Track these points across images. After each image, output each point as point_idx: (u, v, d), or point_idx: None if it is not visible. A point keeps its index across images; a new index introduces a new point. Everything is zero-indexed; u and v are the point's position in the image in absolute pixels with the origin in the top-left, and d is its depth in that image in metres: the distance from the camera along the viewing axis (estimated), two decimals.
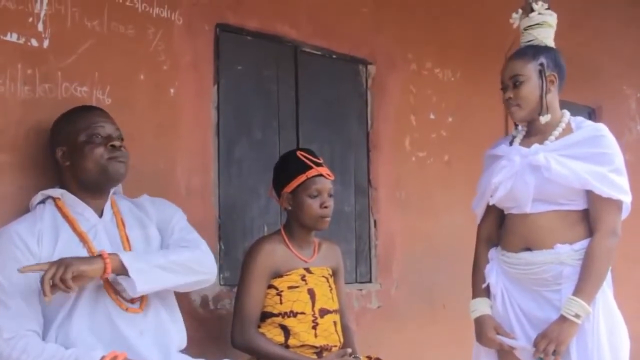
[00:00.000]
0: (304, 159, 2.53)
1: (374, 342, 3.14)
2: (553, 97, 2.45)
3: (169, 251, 2.13)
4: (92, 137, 2.10)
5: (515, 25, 2.53)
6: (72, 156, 2.11)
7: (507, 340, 2.42)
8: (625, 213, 2.41)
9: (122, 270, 1.97)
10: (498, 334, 2.44)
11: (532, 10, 2.47)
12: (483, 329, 2.46)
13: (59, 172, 2.16)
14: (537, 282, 2.40)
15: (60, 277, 1.84)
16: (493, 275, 2.49)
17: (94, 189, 2.14)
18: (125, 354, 1.92)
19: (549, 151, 2.38)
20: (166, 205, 2.31)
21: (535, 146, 2.42)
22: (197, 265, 2.15)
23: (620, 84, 4.96)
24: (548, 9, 2.48)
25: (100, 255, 1.95)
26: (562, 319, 2.30)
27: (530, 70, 2.40)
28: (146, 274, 1.99)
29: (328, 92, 3.29)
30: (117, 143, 2.12)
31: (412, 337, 3.46)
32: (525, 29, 2.49)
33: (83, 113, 2.16)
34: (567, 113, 2.50)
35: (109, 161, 2.10)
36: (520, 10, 2.51)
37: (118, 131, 2.16)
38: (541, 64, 2.39)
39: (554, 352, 2.30)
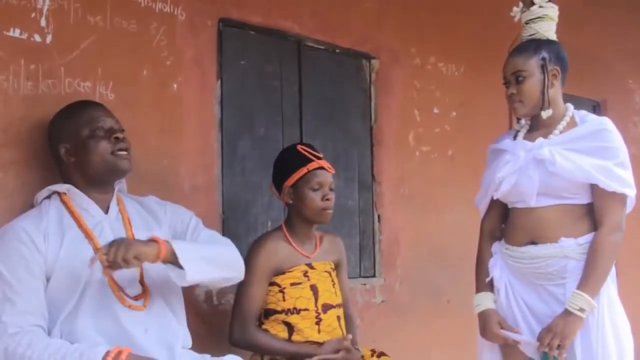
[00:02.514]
0: (304, 152, 2.53)
1: (378, 337, 3.14)
2: (556, 91, 2.43)
3: (209, 245, 2.18)
4: (95, 130, 2.11)
5: (516, 19, 2.51)
6: (76, 152, 2.11)
7: (511, 335, 2.41)
8: (629, 207, 2.40)
9: (172, 258, 1.99)
10: (502, 328, 2.43)
11: (533, 3, 2.45)
12: (487, 324, 2.45)
13: (62, 169, 2.16)
14: (542, 276, 2.40)
15: (122, 257, 1.87)
16: (497, 269, 2.48)
17: (99, 184, 2.14)
18: (129, 350, 1.92)
19: (553, 145, 2.37)
20: (181, 209, 2.32)
21: (540, 140, 2.40)
22: (233, 262, 2.21)
23: (625, 78, 4.94)
24: (549, 1, 2.46)
25: (154, 240, 1.97)
26: (567, 313, 2.30)
27: (532, 65, 2.38)
28: (194, 265, 2.01)
29: (331, 88, 3.28)
30: (120, 135, 2.13)
31: (416, 332, 3.46)
32: (526, 23, 2.47)
33: (82, 108, 2.16)
34: (570, 107, 2.48)
35: (114, 156, 2.11)
36: (521, 4, 2.49)
37: (118, 123, 2.17)
38: (543, 59, 2.38)
39: (558, 347, 2.29)
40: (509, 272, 2.47)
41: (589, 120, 2.43)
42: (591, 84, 4.44)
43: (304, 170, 2.49)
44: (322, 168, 2.52)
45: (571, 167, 2.33)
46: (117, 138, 2.11)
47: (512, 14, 2.51)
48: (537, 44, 2.41)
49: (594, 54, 4.44)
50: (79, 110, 2.15)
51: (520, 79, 2.38)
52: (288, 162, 2.54)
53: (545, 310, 2.39)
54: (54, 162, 2.19)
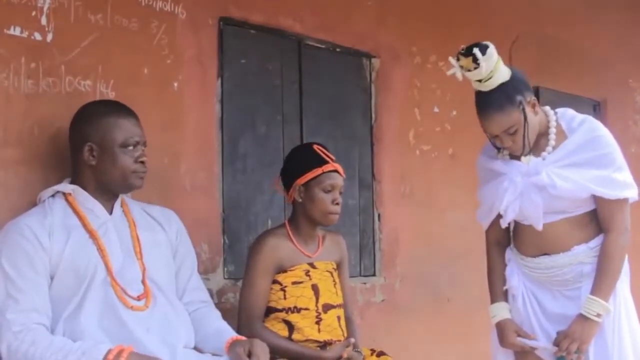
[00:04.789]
0: (320, 152, 2.51)
1: (378, 336, 3.14)
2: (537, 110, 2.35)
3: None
4: (128, 147, 2.11)
5: (460, 78, 2.32)
6: (101, 157, 2.10)
7: (528, 342, 2.41)
8: (632, 200, 2.38)
9: None
10: (519, 336, 2.43)
11: (476, 59, 2.25)
12: (505, 334, 2.45)
13: (76, 166, 2.14)
14: (557, 283, 2.41)
15: None
16: (515, 278, 2.47)
17: (109, 192, 2.16)
18: (131, 348, 1.92)
19: (549, 165, 2.33)
20: (189, 241, 2.34)
21: (534, 162, 2.35)
22: None
23: (625, 77, 4.93)
24: (482, 47, 2.27)
25: None
26: (583, 318, 2.30)
27: (516, 115, 2.28)
28: None
29: (332, 86, 3.28)
30: (145, 159, 2.15)
31: (416, 331, 3.46)
32: (479, 81, 2.30)
33: (119, 115, 2.14)
34: (550, 111, 2.41)
35: (134, 174, 2.13)
36: (456, 65, 2.30)
37: (144, 138, 2.18)
38: (520, 103, 2.28)
39: (576, 351, 2.30)
40: (525, 278, 2.47)
41: (578, 126, 2.36)
42: (591, 83, 4.44)
43: (319, 171, 2.47)
44: (336, 171, 2.51)
45: (572, 186, 2.30)
46: (142, 162, 2.14)
47: (449, 73, 2.34)
48: (506, 94, 2.28)
49: (594, 54, 4.44)
50: (116, 116, 2.13)
51: (513, 131, 2.30)
52: (303, 160, 2.51)
53: (560, 312, 2.40)
54: (70, 155, 2.17)
